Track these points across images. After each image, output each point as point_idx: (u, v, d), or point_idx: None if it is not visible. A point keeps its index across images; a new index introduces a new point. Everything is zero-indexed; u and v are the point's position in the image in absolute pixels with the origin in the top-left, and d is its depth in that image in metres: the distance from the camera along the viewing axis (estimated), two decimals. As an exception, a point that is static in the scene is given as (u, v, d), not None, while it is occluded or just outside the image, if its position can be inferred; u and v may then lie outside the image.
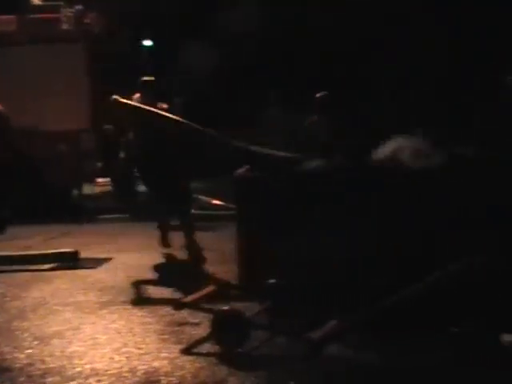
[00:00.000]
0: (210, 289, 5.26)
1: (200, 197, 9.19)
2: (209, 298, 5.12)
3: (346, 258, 4.94)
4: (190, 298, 5.02)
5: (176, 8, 15.00)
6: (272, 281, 4.88)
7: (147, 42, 22.25)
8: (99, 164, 12.01)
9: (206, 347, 4.55)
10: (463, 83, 12.79)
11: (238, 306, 4.76)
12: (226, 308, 4.56)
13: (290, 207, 5.11)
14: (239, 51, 14.25)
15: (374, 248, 4.91)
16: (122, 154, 7.66)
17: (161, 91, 7.57)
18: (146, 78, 7.71)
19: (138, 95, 7.49)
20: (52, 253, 7.45)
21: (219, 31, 14.34)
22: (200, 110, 11.89)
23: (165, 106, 7.44)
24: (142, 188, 12.23)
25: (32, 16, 11.43)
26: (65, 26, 11.62)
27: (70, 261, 7.31)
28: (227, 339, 4.46)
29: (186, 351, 4.51)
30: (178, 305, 5.07)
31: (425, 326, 4.58)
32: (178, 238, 7.76)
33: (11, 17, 11.53)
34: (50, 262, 7.29)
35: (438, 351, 4.36)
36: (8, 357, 4.52)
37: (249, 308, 4.71)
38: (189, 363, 4.30)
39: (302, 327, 4.42)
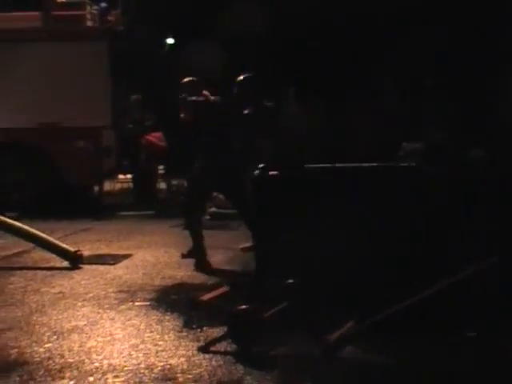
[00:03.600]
0: (226, 288, 5.28)
1: (218, 195, 9.21)
2: (226, 296, 5.14)
3: (364, 259, 4.93)
4: (207, 297, 5.04)
5: (198, 5, 15.02)
6: (289, 281, 4.89)
7: (170, 40, 22.36)
8: (120, 161, 12.05)
9: (223, 346, 4.57)
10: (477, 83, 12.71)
11: (255, 305, 4.77)
12: (242, 307, 4.57)
13: (309, 206, 5.11)
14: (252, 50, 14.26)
15: (393, 249, 4.90)
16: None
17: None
18: (245, 75, 7.06)
19: (206, 93, 7.22)
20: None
21: (229, 31, 14.36)
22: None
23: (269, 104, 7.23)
24: (162, 185, 12.34)
25: (56, 13, 11.50)
26: (89, 24, 11.69)
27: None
28: (244, 338, 4.48)
29: (203, 349, 4.53)
30: (195, 303, 5.10)
31: (441, 329, 4.57)
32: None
33: (36, 14, 11.60)
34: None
35: (455, 354, 4.36)
36: (27, 350, 4.57)
37: (265, 307, 4.72)
38: (205, 361, 4.32)
39: (319, 328, 4.43)
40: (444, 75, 13.22)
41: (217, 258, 7.46)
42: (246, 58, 12.98)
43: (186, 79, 7.39)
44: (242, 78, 7.03)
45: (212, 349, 4.54)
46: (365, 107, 12.39)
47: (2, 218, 7.89)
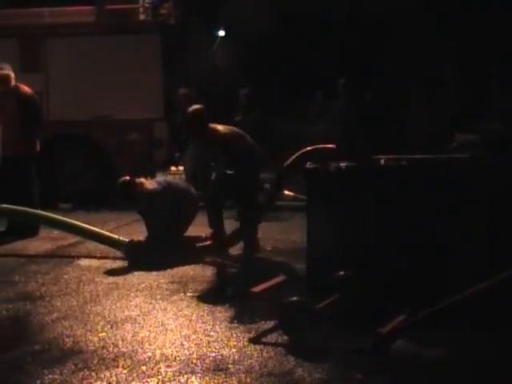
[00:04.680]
0: (279, 279, 5.28)
1: (267, 187, 9.20)
2: (278, 288, 5.14)
3: (417, 252, 4.89)
4: (259, 288, 5.05)
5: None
6: (341, 273, 4.87)
7: (221, 32, 22.39)
8: (172, 153, 12.14)
9: (274, 337, 4.59)
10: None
11: (307, 296, 4.76)
12: (294, 299, 4.57)
13: (362, 199, 5.07)
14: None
15: (447, 241, 4.85)
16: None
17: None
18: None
19: None
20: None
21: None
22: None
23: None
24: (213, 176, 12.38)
25: (109, 7, 11.63)
26: (141, 17, 11.78)
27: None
28: (295, 330, 4.48)
29: (255, 340, 4.55)
30: (247, 294, 5.11)
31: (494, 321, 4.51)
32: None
33: (89, 7, 11.76)
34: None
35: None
36: (82, 339, 4.65)
37: (317, 299, 4.71)
38: (257, 353, 4.34)
39: (371, 320, 4.40)
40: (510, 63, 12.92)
41: (267, 249, 7.48)
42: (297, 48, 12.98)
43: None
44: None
45: (263, 340, 4.56)
46: (423, 95, 12.20)
47: (50, 214, 8.06)
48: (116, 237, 7.53)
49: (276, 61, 14.34)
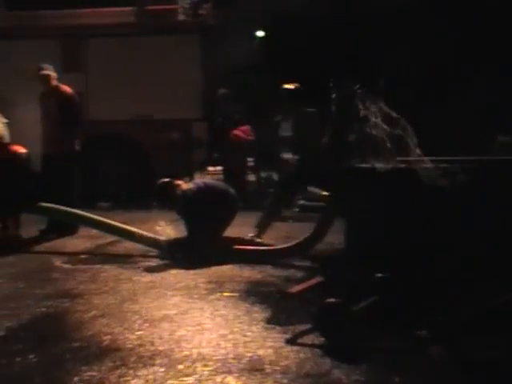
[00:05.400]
0: (316, 280, 5.25)
1: (311, 188, 9.19)
2: (315, 289, 5.12)
3: (459, 254, 4.82)
4: (296, 289, 5.03)
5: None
6: (380, 274, 4.82)
7: (260, 33, 22.42)
8: (211, 153, 12.18)
9: (311, 338, 4.56)
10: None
11: (344, 298, 4.73)
12: (332, 300, 4.54)
13: (404, 200, 5.01)
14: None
15: (491, 244, 4.77)
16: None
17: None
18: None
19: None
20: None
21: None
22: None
23: None
24: (252, 177, 12.40)
25: (150, 7, 11.72)
26: (181, 17, 11.84)
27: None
28: (332, 331, 4.45)
29: (291, 341, 4.53)
30: (284, 295, 5.09)
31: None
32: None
33: (129, 8, 11.86)
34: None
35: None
36: (119, 337, 4.68)
37: (355, 301, 4.67)
38: (293, 353, 4.32)
39: (410, 322, 4.35)
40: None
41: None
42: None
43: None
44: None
45: (300, 341, 4.54)
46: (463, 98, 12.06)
47: (88, 214, 8.15)
48: (154, 236, 7.58)
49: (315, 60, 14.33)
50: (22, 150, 8.16)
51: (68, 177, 8.85)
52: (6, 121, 10.17)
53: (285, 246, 6.96)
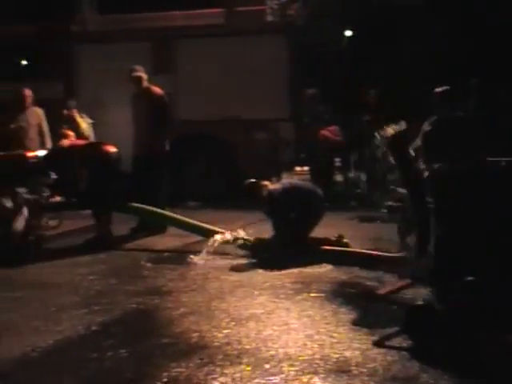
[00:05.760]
0: (404, 282, 5.18)
1: (396, 188, 9.06)
2: (403, 291, 5.05)
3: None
4: (384, 291, 4.98)
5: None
6: (468, 278, 4.72)
7: (348, 33, 22.22)
8: (298, 154, 12.17)
9: (399, 341, 4.50)
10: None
11: (433, 301, 4.65)
12: (420, 303, 4.47)
13: (491, 204, 4.87)
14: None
15: None
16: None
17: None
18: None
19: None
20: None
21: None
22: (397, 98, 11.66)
23: None
24: (339, 178, 12.34)
25: (238, 8, 11.81)
26: (269, 18, 11.88)
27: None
28: (421, 335, 4.38)
29: (379, 343, 4.48)
30: (373, 296, 5.03)
31: None
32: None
33: (219, 10, 11.99)
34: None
35: None
36: (207, 335, 4.74)
37: (444, 304, 4.58)
38: (380, 356, 4.27)
39: (500, 327, 4.24)
40: None
41: (393, 251, 7.35)
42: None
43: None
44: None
45: (387, 343, 4.49)
46: None
47: (175, 215, 8.30)
48: (241, 235, 7.64)
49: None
50: (113, 149, 8.37)
51: (157, 177, 9.02)
52: (91, 121, 10.51)
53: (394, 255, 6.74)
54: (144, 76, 9.18)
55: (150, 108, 8.97)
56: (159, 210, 8.49)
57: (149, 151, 8.90)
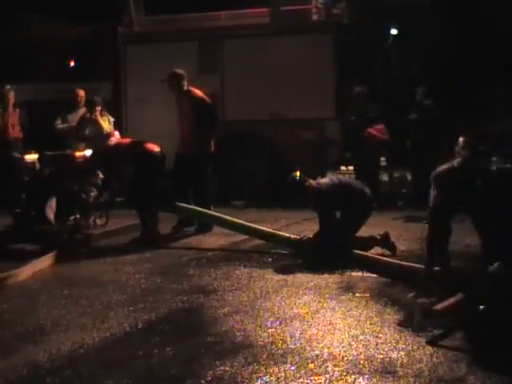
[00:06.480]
0: (460, 297, 4.99)
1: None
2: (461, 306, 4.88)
3: None
4: (441, 306, 4.80)
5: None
6: None
7: (393, 31, 22.03)
8: (344, 153, 12.11)
9: (445, 342, 4.47)
10: None
11: (490, 306, 4.54)
12: (481, 308, 4.38)
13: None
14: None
15: None
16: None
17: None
18: None
19: None
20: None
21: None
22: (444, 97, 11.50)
23: None
24: (384, 177, 12.24)
25: (283, 8, 11.80)
26: (314, 17, 11.85)
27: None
28: (482, 340, 4.32)
29: (424, 345, 4.44)
30: (430, 313, 4.84)
31: None
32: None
33: (264, 9, 12.00)
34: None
35: None
36: (252, 334, 4.76)
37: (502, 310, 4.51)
38: (426, 357, 4.24)
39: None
40: None
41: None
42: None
43: None
44: None
45: (433, 345, 4.44)
46: None
47: (219, 215, 8.34)
48: (287, 235, 7.64)
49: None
50: (157, 148, 8.43)
51: (202, 177, 9.06)
52: (113, 119, 10.58)
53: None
54: (182, 80, 9.10)
55: (193, 109, 8.99)
56: (204, 210, 8.54)
57: (193, 151, 8.94)
